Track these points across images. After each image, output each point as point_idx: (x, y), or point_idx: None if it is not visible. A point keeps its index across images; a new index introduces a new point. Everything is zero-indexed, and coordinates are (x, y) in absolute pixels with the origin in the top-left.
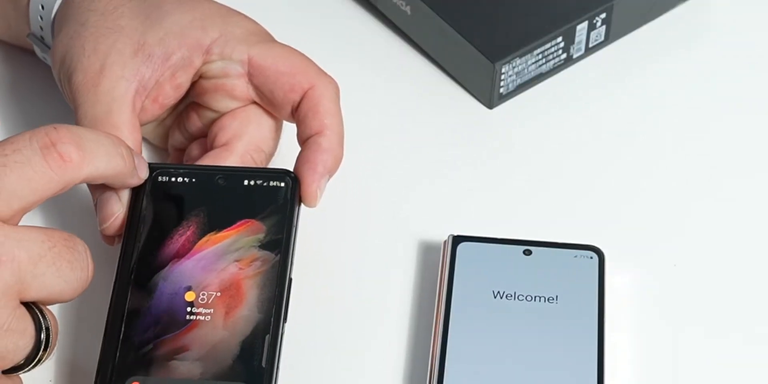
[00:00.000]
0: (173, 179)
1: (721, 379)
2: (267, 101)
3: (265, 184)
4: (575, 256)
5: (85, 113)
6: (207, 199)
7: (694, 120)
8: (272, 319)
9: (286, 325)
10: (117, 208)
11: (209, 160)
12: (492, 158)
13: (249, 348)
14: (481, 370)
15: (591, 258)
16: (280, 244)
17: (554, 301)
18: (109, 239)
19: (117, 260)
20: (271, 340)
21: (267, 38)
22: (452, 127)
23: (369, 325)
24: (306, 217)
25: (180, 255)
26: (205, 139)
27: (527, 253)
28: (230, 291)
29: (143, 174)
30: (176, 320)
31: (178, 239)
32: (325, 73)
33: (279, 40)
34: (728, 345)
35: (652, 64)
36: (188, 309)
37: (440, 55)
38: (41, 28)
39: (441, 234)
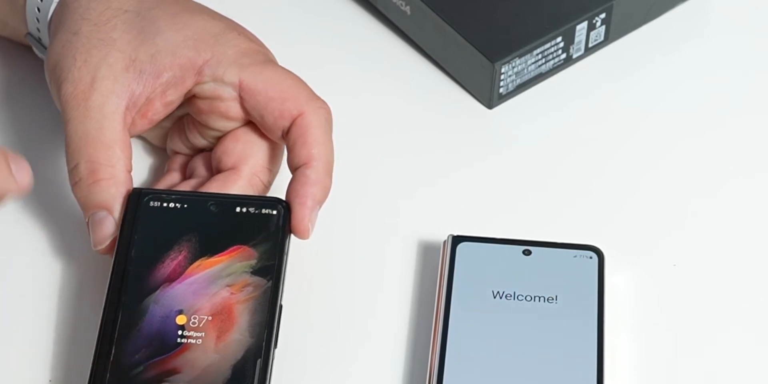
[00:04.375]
0: (165, 205)
1: (721, 379)
2: (259, 124)
3: (256, 211)
4: (575, 256)
5: (75, 128)
6: (199, 225)
7: (694, 120)
8: (264, 344)
9: (277, 350)
10: (111, 231)
11: (218, 183)
12: (491, 158)
13: (240, 372)
14: (481, 370)
15: (590, 258)
16: (272, 270)
17: (554, 301)
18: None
19: (107, 284)
20: (263, 365)
21: (260, 59)
22: (452, 127)
23: (369, 324)
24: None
25: (171, 279)
26: (207, 154)
27: (527, 253)
28: (222, 315)
29: (22, 179)
30: (167, 343)
31: (170, 263)
32: (317, 99)
33: (278, 42)
34: (728, 345)
35: (652, 64)
36: (179, 332)
37: (440, 55)
38: (38, 30)
39: (441, 234)
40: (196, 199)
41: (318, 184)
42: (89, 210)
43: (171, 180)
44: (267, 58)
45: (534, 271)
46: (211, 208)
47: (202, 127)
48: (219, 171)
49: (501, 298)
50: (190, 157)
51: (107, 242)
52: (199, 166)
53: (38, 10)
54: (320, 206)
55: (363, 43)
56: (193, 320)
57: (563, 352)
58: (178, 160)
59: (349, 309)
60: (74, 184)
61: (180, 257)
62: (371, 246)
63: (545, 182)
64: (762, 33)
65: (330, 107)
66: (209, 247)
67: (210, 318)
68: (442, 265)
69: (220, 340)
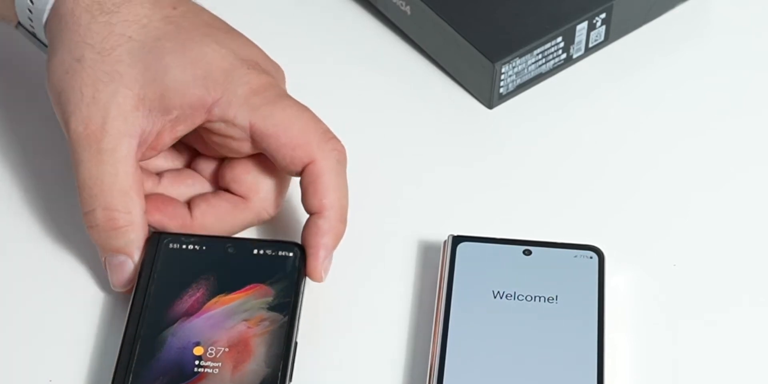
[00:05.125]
0: (184, 247)
1: (721, 379)
2: (272, 161)
3: (273, 253)
4: (575, 256)
5: (89, 173)
6: (217, 266)
7: (694, 120)
8: (279, 374)
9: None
10: (131, 275)
11: (227, 205)
12: (492, 158)
13: None
14: (481, 370)
15: (591, 258)
16: (288, 306)
17: (554, 301)
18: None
19: (125, 318)
20: None
21: (272, 96)
22: (452, 127)
23: (369, 324)
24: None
25: (189, 313)
26: (213, 160)
27: (527, 253)
28: (238, 347)
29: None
30: (184, 372)
31: (188, 300)
32: (328, 140)
33: (278, 42)
34: (728, 345)
35: (652, 64)
36: (196, 362)
37: (440, 55)
38: (32, 26)
39: (441, 234)
40: (215, 241)
41: (329, 233)
42: (106, 252)
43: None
44: (278, 94)
45: (534, 271)
46: (229, 250)
47: (211, 147)
48: (225, 190)
49: (501, 298)
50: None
51: (128, 286)
52: (205, 168)
53: (30, 11)
54: (333, 251)
55: (363, 43)
56: (210, 351)
57: (563, 352)
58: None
59: (349, 308)
60: (90, 228)
61: (198, 294)
62: (371, 246)
63: (545, 182)
64: (762, 33)
65: (344, 147)
66: (227, 285)
67: (227, 349)
68: (442, 265)
69: (236, 369)
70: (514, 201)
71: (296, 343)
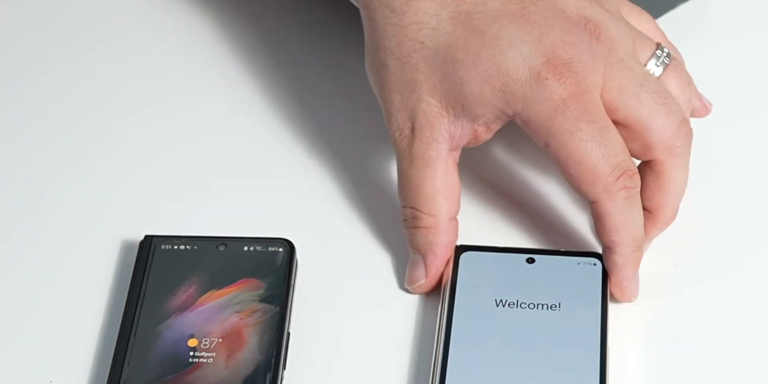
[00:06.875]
0: (176, 247)
1: (725, 383)
2: None
3: (263, 249)
4: (578, 264)
5: (403, 173)
6: (208, 263)
7: (694, 120)
8: (273, 360)
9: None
10: (422, 276)
11: None
12: (494, 164)
13: (251, 383)
14: (484, 378)
15: (594, 265)
16: (279, 298)
17: (557, 308)
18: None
19: (121, 316)
20: (272, 377)
21: (572, 116)
22: None
23: (371, 330)
24: (306, 220)
25: (183, 309)
26: None
27: (530, 261)
28: (231, 337)
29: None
30: (179, 363)
31: (181, 296)
32: (617, 180)
33: (281, 44)
34: (732, 348)
35: None
36: (191, 353)
37: None
38: None
39: None
40: (206, 241)
41: (626, 265)
42: (411, 249)
43: None
44: (580, 113)
45: (537, 279)
46: (220, 248)
47: None
48: None
49: (504, 306)
50: None
51: (415, 285)
52: None
53: None
54: (634, 276)
55: (362, 42)
56: (204, 342)
57: (567, 360)
58: None
59: (350, 314)
60: (402, 222)
61: (191, 290)
62: (373, 251)
63: (548, 189)
64: (762, 33)
65: (635, 181)
66: (218, 280)
67: (220, 340)
68: (446, 273)
69: (230, 358)
70: (517, 209)
71: (289, 333)
